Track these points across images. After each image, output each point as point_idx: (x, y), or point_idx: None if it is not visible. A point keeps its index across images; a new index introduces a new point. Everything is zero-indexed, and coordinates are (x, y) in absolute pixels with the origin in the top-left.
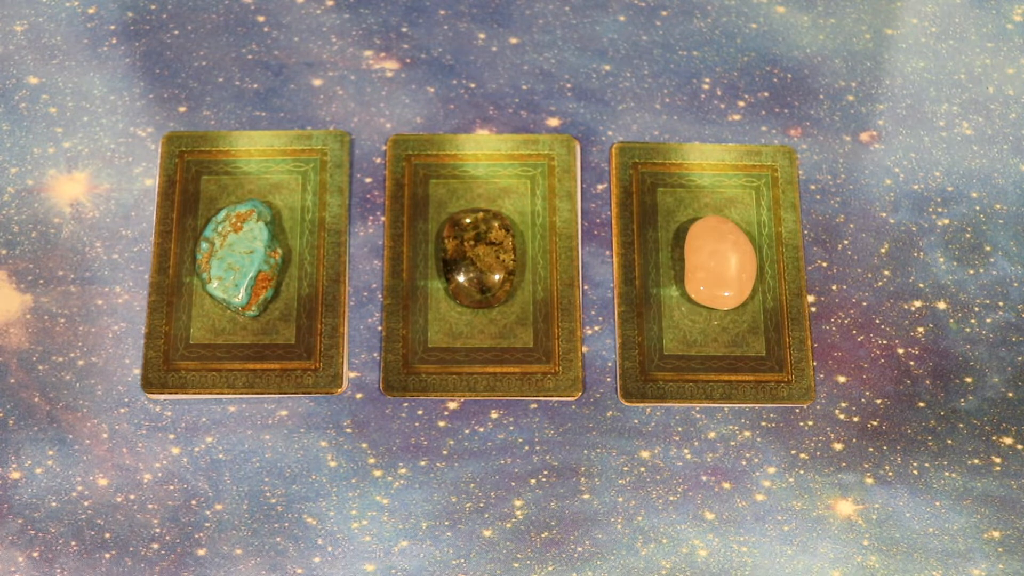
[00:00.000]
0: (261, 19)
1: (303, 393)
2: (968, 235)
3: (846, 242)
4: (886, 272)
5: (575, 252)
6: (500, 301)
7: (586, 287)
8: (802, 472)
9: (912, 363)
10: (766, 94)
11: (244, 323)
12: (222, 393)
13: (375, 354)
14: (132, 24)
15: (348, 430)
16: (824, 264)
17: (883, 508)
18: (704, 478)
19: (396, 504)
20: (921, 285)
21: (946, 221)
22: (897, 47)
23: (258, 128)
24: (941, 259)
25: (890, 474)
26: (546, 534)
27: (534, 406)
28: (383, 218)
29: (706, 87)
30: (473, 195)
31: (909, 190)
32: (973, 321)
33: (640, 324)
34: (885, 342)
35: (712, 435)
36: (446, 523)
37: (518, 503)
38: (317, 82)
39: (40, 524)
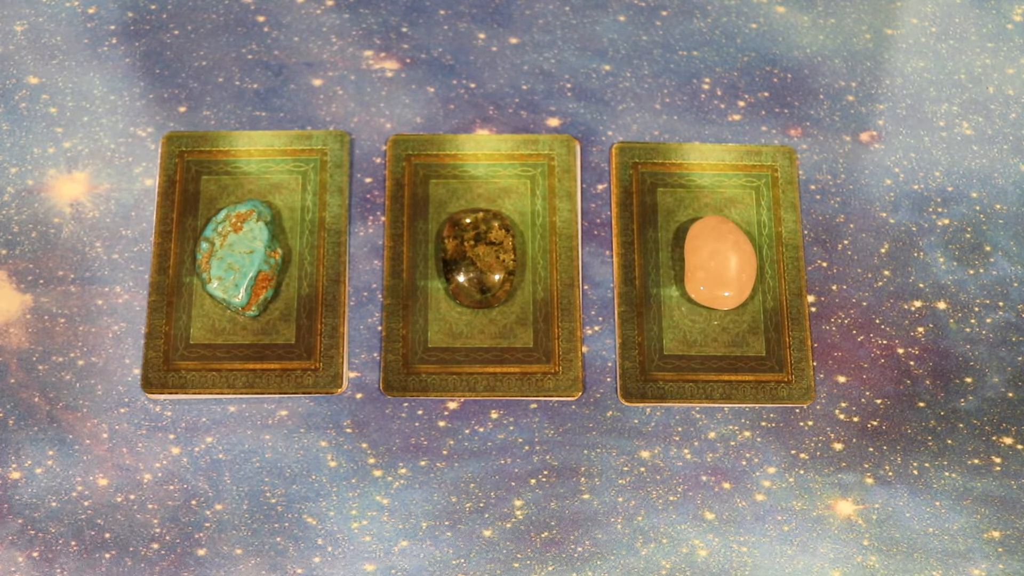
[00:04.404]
0: (261, 19)
1: (303, 393)
2: (968, 235)
3: (846, 242)
4: (886, 272)
5: (575, 252)
6: (500, 301)
7: (586, 287)
8: (802, 472)
9: (912, 363)
10: (766, 94)
11: (244, 323)
12: (222, 393)
13: (375, 354)
14: (132, 24)
15: (348, 430)
16: (824, 264)
17: (883, 508)
18: (704, 478)
19: (396, 504)
20: (921, 285)
21: (946, 221)
22: (897, 47)
23: (258, 128)
24: (941, 259)
25: (890, 474)
26: (546, 534)
27: (534, 406)
28: (383, 218)
29: (706, 87)
30: (473, 195)
31: (909, 190)
32: (973, 321)
33: (640, 324)
34: (885, 342)
35: (712, 435)
36: (446, 523)
37: (518, 503)
38: (317, 82)
39: (40, 524)
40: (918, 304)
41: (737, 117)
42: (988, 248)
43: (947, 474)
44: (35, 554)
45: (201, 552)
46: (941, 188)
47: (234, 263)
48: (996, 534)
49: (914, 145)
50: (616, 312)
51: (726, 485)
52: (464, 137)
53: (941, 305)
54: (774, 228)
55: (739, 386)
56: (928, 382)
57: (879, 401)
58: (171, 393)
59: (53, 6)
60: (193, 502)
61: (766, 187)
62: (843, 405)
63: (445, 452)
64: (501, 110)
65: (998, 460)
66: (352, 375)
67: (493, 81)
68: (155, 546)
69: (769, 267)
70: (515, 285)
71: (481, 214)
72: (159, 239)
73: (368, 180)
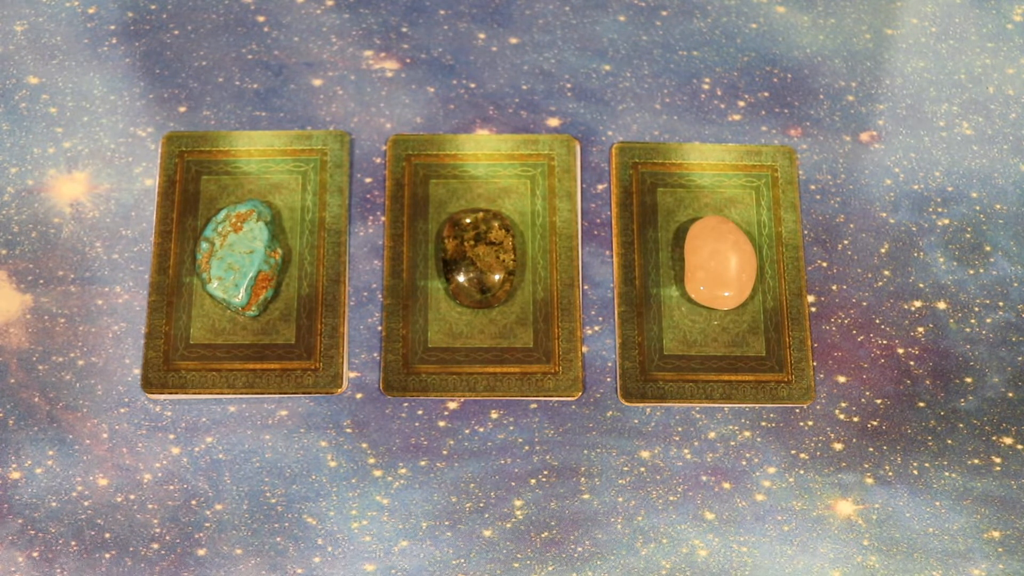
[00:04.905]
0: (261, 19)
1: (303, 393)
2: (968, 235)
3: (846, 242)
4: (886, 272)
5: (575, 252)
6: (500, 301)
7: (586, 287)
8: (802, 472)
9: (912, 363)
10: (766, 94)
11: (244, 323)
12: (222, 393)
13: (375, 354)
14: (132, 24)
15: (348, 430)
16: (824, 264)
17: (883, 508)
18: (704, 478)
19: (396, 504)
20: (921, 285)
21: (946, 221)
22: (897, 47)
23: (258, 128)
24: (941, 259)
25: (890, 474)
26: (546, 534)
27: (534, 406)
28: (383, 218)
29: (706, 87)
30: (473, 195)
31: (909, 190)
32: (973, 321)
33: (640, 324)
34: (885, 342)
35: (712, 435)
36: (446, 523)
37: (518, 503)
38: (317, 82)
39: (40, 524)
40: (918, 304)
41: (737, 117)
42: (988, 248)
43: (947, 474)
44: (35, 554)
45: (201, 552)
46: (941, 188)
47: (234, 263)
48: (996, 534)
49: (914, 145)
50: (616, 312)
51: (726, 485)
52: (464, 137)
53: (941, 305)
54: (774, 228)
55: (739, 386)
56: (928, 382)
57: (879, 401)
58: (171, 393)
59: (53, 6)
60: (193, 502)
61: (766, 187)
62: (843, 405)
63: (445, 452)
64: (501, 110)
65: (998, 460)
66: (352, 375)
67: (493, 81)
68: (155, 546)
69: (769, 267)
70: (515, 285)
71: (481, 214)
72: (159, 239)
73: (368, 180)
